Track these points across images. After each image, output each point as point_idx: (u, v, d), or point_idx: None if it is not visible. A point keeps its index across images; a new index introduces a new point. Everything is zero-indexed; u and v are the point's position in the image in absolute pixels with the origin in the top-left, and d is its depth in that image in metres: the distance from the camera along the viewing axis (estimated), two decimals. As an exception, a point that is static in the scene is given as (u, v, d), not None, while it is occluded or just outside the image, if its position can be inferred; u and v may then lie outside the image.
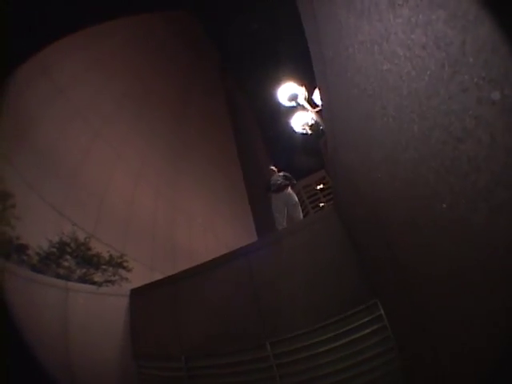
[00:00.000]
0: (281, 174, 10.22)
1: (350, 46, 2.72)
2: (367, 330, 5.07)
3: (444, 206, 1.91)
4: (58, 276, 8.32)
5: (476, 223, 1.62)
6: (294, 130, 9.98)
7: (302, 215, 9.61)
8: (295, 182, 10.09)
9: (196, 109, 26.99)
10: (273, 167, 10.76)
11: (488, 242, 1.59)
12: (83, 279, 8.81)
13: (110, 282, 9.27)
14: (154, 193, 17.90)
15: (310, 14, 3.56)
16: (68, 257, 8.99)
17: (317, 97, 8.87)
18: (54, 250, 8.83)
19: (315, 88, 8.84)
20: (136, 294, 8.39)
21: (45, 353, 6.04)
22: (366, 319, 5.13)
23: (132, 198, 16.00)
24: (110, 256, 9.87)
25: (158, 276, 11.68)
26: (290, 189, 9.79)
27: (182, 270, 8.07)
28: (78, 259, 9.11)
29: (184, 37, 27.78)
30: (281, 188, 9.68)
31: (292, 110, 9.63)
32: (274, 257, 6.45)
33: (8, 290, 6.11)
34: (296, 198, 9.82)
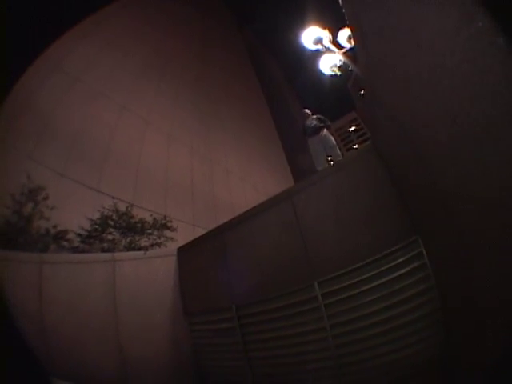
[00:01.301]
0: (314, 116, 10.00)
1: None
2: (408, 268, 5.07)
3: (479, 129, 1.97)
4: (104, 250, 8.58)
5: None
6: (321, 74, 9.73)
7: (340, 156, 9.50)
8: (330, 123, 9.91)
9: (218, 66, 26.90)
10: (307, 110, 10.50)
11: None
12: (130, 247, 9.02)
13: (156, 244, 9.44)
14: (188, 152, 18.13)
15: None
16: (111, 229, 9.19)
17: (342, 38, 8.64)
18: (97, 226, 9.05)
19: (339, 29, 8.60)
20: (183, 251, 8.55)
21: (93, 335, 6.50)
22: (408, 256, 5.11)
23: (167, 160, 16.25)
24: (154, 219, 9.98)
25: (201, 232, 11.92)
26: (325, 131, 9.58)
27: (226, 221, 8.13)
28: (122, 229, 9.28)
29: (199, 3, 27.46)
30: (317, 131, 9.49)
31: (317, 54, 9.38)
32: (316, 197, 6.40)
33: (47, 281, 6.35)
34: (333, 140, 9.63)
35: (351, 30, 5.32)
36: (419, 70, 2.67)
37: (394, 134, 4.58)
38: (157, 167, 15.37)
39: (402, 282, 5.08)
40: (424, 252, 4.96)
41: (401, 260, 5.15)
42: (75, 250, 8.38)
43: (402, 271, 5.10)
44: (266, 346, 6.19)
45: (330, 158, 8.88)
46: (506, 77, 1.61)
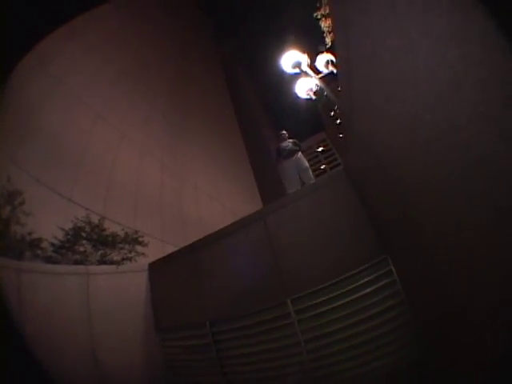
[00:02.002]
0: (290, 140, 10.53)
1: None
2: (378, 284, 5.39)
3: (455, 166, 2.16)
4: (77, 262, 8.49)
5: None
6: (296, 97, 10.14)
7: (313, 178, 9.91)
8: (303, 148, 10.47)
9: (194, 82, 27.24)
10: (284, 132, 10.93)
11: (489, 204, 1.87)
12: (102, 261, 8.98)
13: (127, 259, 9.41)
14: (159, 166, 18.18)
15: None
16: (84, 241, 9.11)
17: (320, 63, 9.06)
18: (69, 237, 8.96)
19: (317, 55, 9.02)
20: (154, 267, 8.64)
21: (69, 341, 6.48)
22: (378, 273, 5.44)
23: (138, 174, 16.25)
24: (126, 233, 9.99)
25: (170, 248, 11.93)
26: (299, 154, 10.15)
27: (199, 239, 8.22)
28: (94, 242, 9.24)
29: (176, 11, 27.89)
30: (291, 153, 10.03)
31: (293, 77, 9.78)
32: (288, 218, 6.68)
33: (26, 289, 6.26)
34: (306, 163, 10.21)
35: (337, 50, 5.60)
36: (402, 96, 2.87)
37: (368, 163, 4.94)
38: (128, 180, 15.26)
39: (372, 297, 5.38)
40: (393, 270, 5.31)
41: (371, 277, 5.46)
42: (48, 259, 8.26)
43: (373, 287, 5.42)
44: (241, 361, 6.31)
45: (302, 180, 9.30)
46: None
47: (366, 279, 5.50)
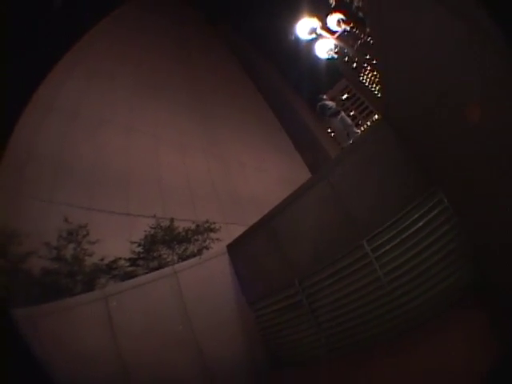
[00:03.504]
0: (331, 102, 11.49)
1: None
2: (434, 212, 6.03)
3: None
4: (155, 268, 9.02)
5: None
6: (315, 58, 10.46)
7: (357, 132, 11.01)
8: (345, 105, 11.55)
9: (208, 71, 27.78)
10: (322, 95, 11.69)
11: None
12: (183, 257, 9.56)
13: (204, 248, 9.99)
14: (202, 155, 18.81)
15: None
16: (159, 245, 9.68)
17: (331, 23, 9.32)
18: (146, 246, 9.61)
19: (327, 16, 9.28)
20: (233, 248, 9.21)
21: (173, 342, 7.17)
22: (432, 203, 6.08)
23: (185, 168, 16.96)
24: (197, 226, 10.48)
25: (234, 228, 12.51)
26: (342, 113, 11.21)
27: (272, 208, 8.72)
28: (169, 242, 9.79)
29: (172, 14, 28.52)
30: (336, 113, 11.06)
31: (301, 41, 10.11)
32: (348, 171, 7.27)
33: (115, 312, 6.89)
34: (349, 120, 11.29)
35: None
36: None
37: (405, 108, 5.62)
38: (177, 177, 15.97)
39: (431, 225, 6.04)
40: (444, 198, 5.92)
41: (426, 208, 6.11)
42: (128, 275, 8.82)
43: (429, 216, 6.06)
44: (332, 307, 6.96)
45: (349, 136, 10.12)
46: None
47: (422, 210, 6.13)
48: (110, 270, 8.85)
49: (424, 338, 5.37)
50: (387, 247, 6.33)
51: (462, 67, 2.77)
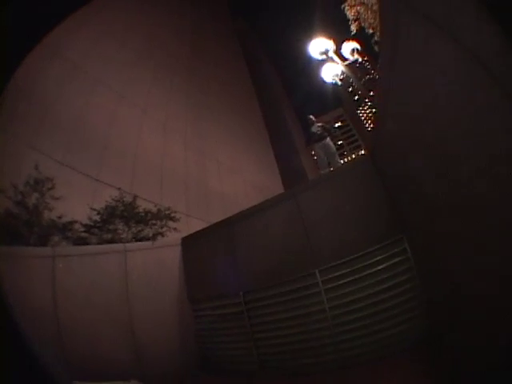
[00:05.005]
0: (319, 124, 11.13)
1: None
2: (395, 260, 6.06)
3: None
4: (109, 241, 8.89)
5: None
6: (319, 79, 10.44)
7: (340, 162, 10.48)
8: (333, 131, 10.96)
9: (211, 59, 27.56)
10: (311, 116, 11.44)
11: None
12: (137, 238, 9.40)
13: (159, 234, 9.78)
14: (182, 142, 18.61)
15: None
16: (117, 220, 9.48)
17: (346, 51, 9.32)
18: (103, 216, 9.36)
19: (343, 41, 9.28)
20: (187, 241, 9.16)
21: (108, 322, 7.03)
22: (394, 250, 6.10)
23: (163, 151, 16.72)
24: (158, 210, 10.28)
25: (195, 222, 12.44)
26: (328, 139, 10.73)
27: (234, 214, 8.70)
28: (127, 220, 9.59)
29: None
30: (321, 138, 10.65)
31: (310, 58, 10.10)
32: (317, 197, 7.27)
33: (61, 274, 6.70)
34: (333, 148, 10.83)
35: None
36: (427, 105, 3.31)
37: (392, 153, 5.56)
38: (153, 157, 15.77)
39: (390, 271, 6.04)
40: (408, 248, 5.96)
41: (389, 253, 6.10)
42: (80, 240, 8.68)
43: (390, 262, 6.06)
44: (271, 327, 6.94)
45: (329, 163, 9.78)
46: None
47: (384, 255, 6.14)
48: (65, 230, 8.62)
49: (359, 377, 5.43)
50: (339, 282, 6.32)
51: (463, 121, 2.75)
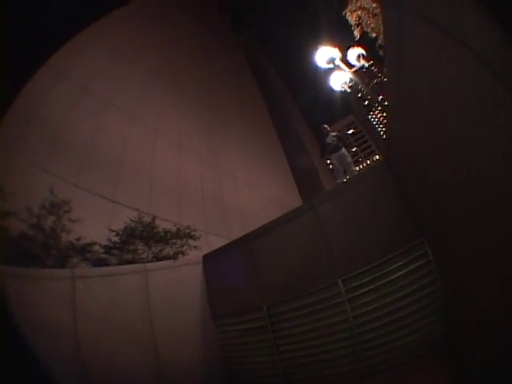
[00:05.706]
0: (333, 134, 11.03)
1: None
2: (417, 264, 6.00)
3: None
4: (129, 261, 8.92)
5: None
6: (328, 88, 10.46)
7: (355, 171, 10.62)
8: (348, 141, 10.96)
9: (219, 74, 27.50)
10: (325, 126, 11.37)
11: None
12: (157, 257, 9.43)
13: (180, 253, 9.78)
14: (197, 160, 18.53)
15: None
16: (137, 241, 9.52)
17: (351, 57, 9.36)
18: (122, 237, 9.42)
19: (348, 48, 9.31)
20: (208, 258, 9.13)
21: (130, 341, 7.03)
22: (416, 254, 6.04)
23: (178, 169, 16.65)
24: (178, 229, 10.29)
25: (214, 239, 12.41)
26: (343, 149, 10.73)
27: (254, 229, 8.66)
28: (146, 240, 9.62)
29: (197, 10, 28.20)
30: (336, 149, 10.61)
31: (317, 67, 10.13)
32: (336, 207, 7.25)
33: (81, 295, 6.68)
34: (349, 158, 10.92)
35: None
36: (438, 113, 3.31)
37: (406, 157, 5.57)
38: (169, 176, 15.75)
39: (412, 275, 6.00)
40: (429, 251, 5.88)
41: (410, 258, 6.05)
42: (100, 261, 8.74)
43: (412, 267, 6.01)
44: (295, 339, 6.92)
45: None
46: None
47: (405, 259, 6.10)
48: (84, 252, 8.68)
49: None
50: (362, 291, 6.29)
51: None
